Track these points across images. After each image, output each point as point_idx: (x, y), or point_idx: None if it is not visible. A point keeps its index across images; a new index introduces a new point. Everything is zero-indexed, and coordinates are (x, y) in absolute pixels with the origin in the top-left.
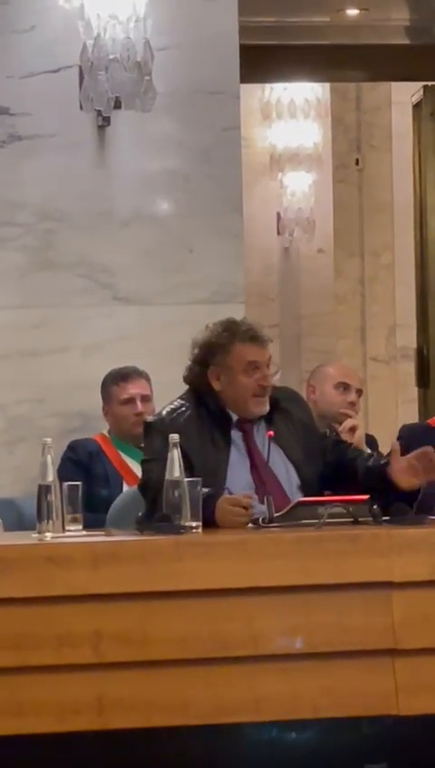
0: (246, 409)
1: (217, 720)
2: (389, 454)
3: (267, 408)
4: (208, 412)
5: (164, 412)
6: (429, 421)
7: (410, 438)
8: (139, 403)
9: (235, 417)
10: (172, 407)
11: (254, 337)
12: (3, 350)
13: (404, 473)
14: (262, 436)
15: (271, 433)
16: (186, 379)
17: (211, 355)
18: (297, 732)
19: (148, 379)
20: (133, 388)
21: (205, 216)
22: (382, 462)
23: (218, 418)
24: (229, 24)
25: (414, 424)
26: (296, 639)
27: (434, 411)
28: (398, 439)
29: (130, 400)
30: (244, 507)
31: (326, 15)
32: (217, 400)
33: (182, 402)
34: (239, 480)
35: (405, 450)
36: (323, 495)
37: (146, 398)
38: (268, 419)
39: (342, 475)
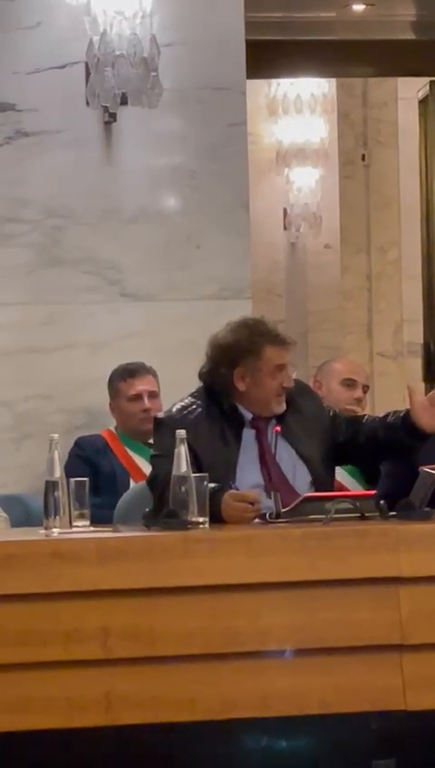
0: (269, 408)
1: (224, 716)
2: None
3: (285, 405)
4: (220, 410)
5: (174, 409)
6: None
7: None
8: (146, 399)
9: (248, 416)
10: (183, 404)
11: (282, 340)
12: (10, 347)
13: (426, 410)
14: (271, 432)
15: (277, 428)
16: (202, 377)
17: (240, 357)
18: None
19: (155, 375)
20: (141, 385)
21: (211, 212)
22: (401, 413)
23: (230, 417)
24: (235, 20)
25: None
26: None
27: None
28: None
29: (138, 397)
30: (250, 503)
31: (332, 11)
32: (230, 399)
33: (193, 400)
34: (249, 477)
35: None
36: (334, 487)
37: (153, 395)
38: (280, 415)
39: (360, 442)
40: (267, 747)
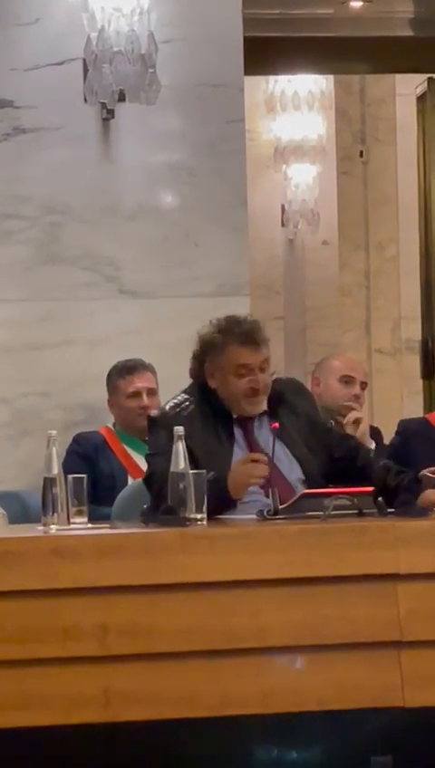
0: (240, 408)
1: (223, 713)
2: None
3: (262, 407)
4: (211, 407)
5: (167, 407)
6: (427, 416)
7: (407, 433)
8: (145, 397)
9: (235, 414)
10: (175, 401)
11: (247, 339)
12: (8, 344)
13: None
14: (265, 429)
15: (275, 425)
16: (190, 373)
17: (207, 353)
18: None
19: (153, 372)
20: (139, 382)
21: (210, 208)
22: (405, 479)
23: (221, 414)
24: (233, 17)
25: (412, 419)
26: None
27: None
28: (396, 434)
29: (137, 394)
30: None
31: (330, 7)
32: (218, 396)
33: (185, 397)
34: None
35: (403, 445)
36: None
37: (152, 392)
38: (273, 413)
39: (350, 476)
40: (278, 758)
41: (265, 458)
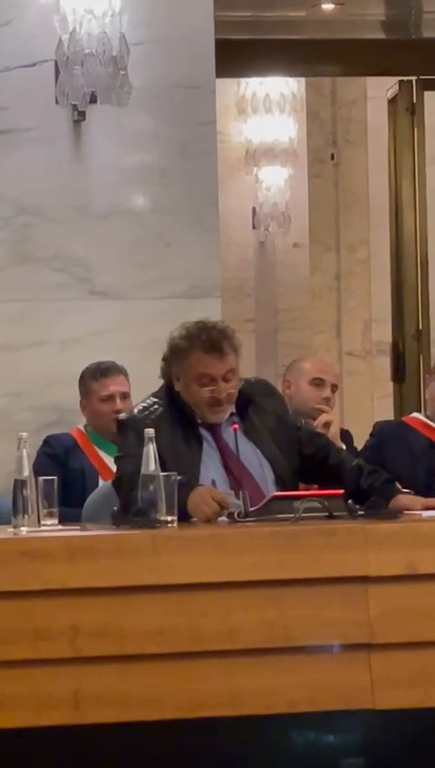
0: (202, 415)
1: (193, 714)
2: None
3: (226, 415)
4: (180, 410)
5: (136, 410)
6: (403, 419)
7: (383, 435)
8: (118, 400)
9: (199, 420)
10: (144, 405)
11: (212, 348)
12: None
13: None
14: (229, 431)
15: (235, 426)
16: (161, 375)
17: (173, 357)
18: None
19: (126, 375)
20: (113, 385)
21: (181, 210)
22: (379, 480)
23: (189, 417)
24: (205, 19)
25: (388, 421)
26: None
27: (409, 406)
28: (371, 436)
29: (110, 397)
30: (219, 504)
31: (302, 10)
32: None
33: (154, 400)
34: (213, 476)
35: (378, 446)
36: (298, 489)
37: (125, 396)
38: (242, 414)
39: (321, 475)
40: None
41: (228, 505)
